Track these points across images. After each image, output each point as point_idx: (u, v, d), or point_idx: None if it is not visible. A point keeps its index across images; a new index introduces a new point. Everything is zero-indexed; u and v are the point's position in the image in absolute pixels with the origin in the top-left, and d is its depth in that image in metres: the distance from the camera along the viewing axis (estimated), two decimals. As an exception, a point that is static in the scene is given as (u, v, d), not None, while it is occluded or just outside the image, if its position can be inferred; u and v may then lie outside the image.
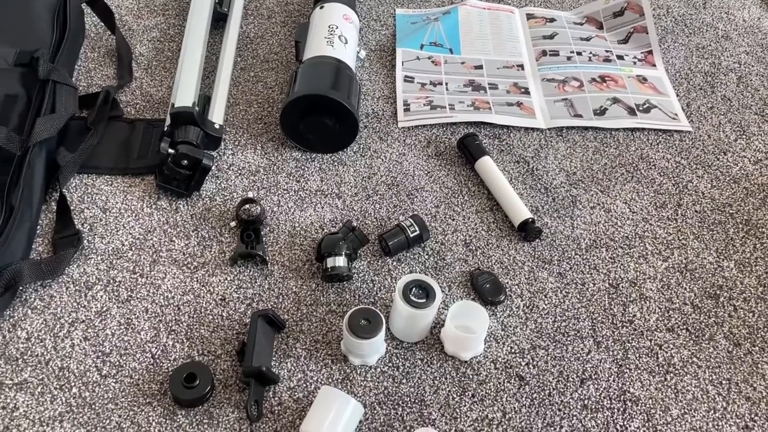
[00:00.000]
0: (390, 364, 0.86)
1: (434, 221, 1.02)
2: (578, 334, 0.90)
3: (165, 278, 0.92)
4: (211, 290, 0.91)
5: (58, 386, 0.81)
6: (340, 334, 0.88)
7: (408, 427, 0.81)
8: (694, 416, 0.84)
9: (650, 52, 1.30)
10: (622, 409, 0.84)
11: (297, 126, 1.05)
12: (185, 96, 1.02)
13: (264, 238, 0.97)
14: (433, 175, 1.08)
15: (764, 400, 0.86)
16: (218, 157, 1.07)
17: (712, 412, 0.84)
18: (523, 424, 0.82)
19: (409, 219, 0.97)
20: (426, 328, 0.88)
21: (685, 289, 0.96)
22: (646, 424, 0.83)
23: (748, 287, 0.97)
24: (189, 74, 1.07)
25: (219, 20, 1.22)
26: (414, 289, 0.85)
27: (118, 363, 0.84)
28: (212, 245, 0.96)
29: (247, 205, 0.99)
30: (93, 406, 0.80)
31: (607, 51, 1.29)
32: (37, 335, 0.85)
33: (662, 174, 1.10)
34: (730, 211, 1.06)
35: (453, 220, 1.02)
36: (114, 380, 0.82)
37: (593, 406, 0.84)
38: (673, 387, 0.86)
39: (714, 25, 1.36)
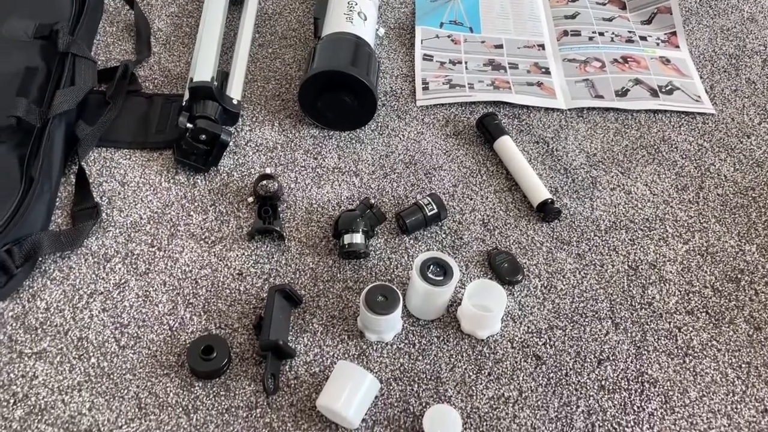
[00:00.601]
0: (406, 341, 0.86)
1: (452, 200, 1.01)
2: (596, 315, 0.90)
3: (183, 252, 0.92)
4: (229, 265, 0.92)
5: (76, 356, 0.82)
6: (357, 310, 0.88)
7: (424, 404, 0.81)
8: (712, 399, 0.83)
9: (674, 34, 1.27)
10: (639, 390, 0.83)
11: (315, 102, 1.05)
12: (204, 71, 1.02)
13: (281, 215, 0.97)
14: (451, 154, 1.07)
15: (784, 384, 0.85)
16: (236, 133, 1.06)
17: (731, 395, 0.83)
18: (539, 403, 0.82)
19: (427, 197, 0.96)
20: (443, 306, 0.88)
21: (706, 272, 0.95)
22: (664, 406, 0.82)
23: (770, 272, 0.96)
24: (208, 49, 1.06)
25: (237, -4, 1.22)
26: (432, 266, 0.84)
27: (136, 334, 0.84)
28: (230, 220, 0.96)
29: (265, 181, 0.99)
30: (111, 376, 0.81)
31: (629, 32, 1.27)
32: (56, 306, 0.86)
33: (684, 156, 1.09)
34: (753, 195, 1.04)
35: (471, 199, 1.01)
36: (132, 351, 0.83)
37: (610, 387, 0.83)
38: (691, 369, 0.85)
39: (739, 7, 1.34)
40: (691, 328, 0.89)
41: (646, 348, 0.87)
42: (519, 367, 0.85)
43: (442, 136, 1.09)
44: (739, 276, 0.95)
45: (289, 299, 0.87)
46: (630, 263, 0.95)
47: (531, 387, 0.83)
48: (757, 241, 0.99)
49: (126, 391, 0.80)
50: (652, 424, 0.81)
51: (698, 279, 0.94)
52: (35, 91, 0.98)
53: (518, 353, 0.86)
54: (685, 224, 1.00)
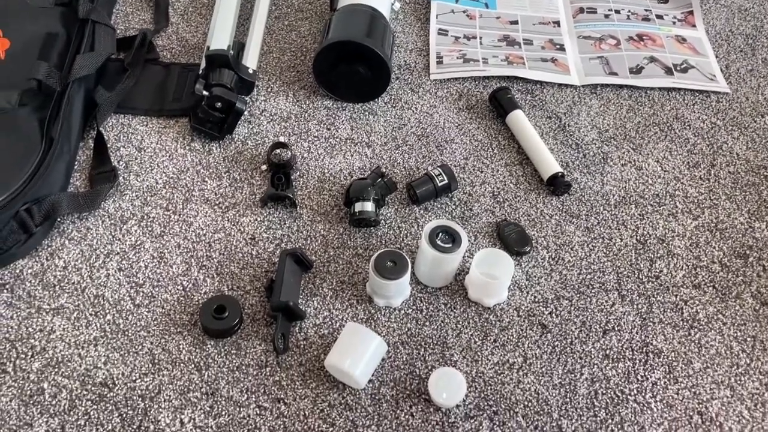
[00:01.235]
0: (414, 307, 0.88)
1: (463, 172, 1.02)
2: (603, 287, 0.91)
3: (197, 216, 0.94)
4: (242, 229, 0.93)
5: (93, 312, 0.84)
6: (366, 276, 0.90)
7: (430, 367, 0.82)
8: (716, 370, 0.84)
9: (691, 13, 1.27)
10: (643, 360, 0.84)
11: (329, 73, 1.06)
12: (221, 39, 1.03)
13: (294, 183, 0.98)
14: (463, 127, 1.08)
15: (789, 359, 0.86)
16: (251, 102, 1.08)
17: (735, 367, 0.84)
18: (543, 369, 0.83)
19: (438, 168, 0.97)
20: (450, 273, 0.89)
21: (714, 247, 0.95)
22: (668, 376, 0.83)
23: (779, 249, 0.96)
24: (225, 19, 1.07)
25: (255, -32, 1.22)
26: (441, 234, 0.86)
27: (150, 294, 0.86)
28: (243, 187, 0.98)
29: (278, 150, 1.00)
30: (126, 333, 0.83)
31: (646, 10, 1.27)
32: (73, 264, 0.88)
33: (697, 134, 1.09)
34: (765, 174, 1.04)
35: (481, 172, 1.02)
36: (147, 309, 0.85)
37: (615, 356, 0.84)
38: (696, 341, 0.86)
39: (759, -13, 1.33)
40: (697, 302, 0.90)
41: (651, 320, 0.88)
42: (524, 334, 0.86)
43: (455, 110, 1.10)
44: (747, 252, 0.95)
45: (300, 263, 0.88)
46: (638, 237, 0.96)
47: (536, 354, 0.84)
48: (767, 218, 0.99)
49: (140, 347, 0.82)
50: (655, 393, 0.82)
51: (706, 254, 0.94)
52: (56, 56, 1.00)
53: (524, 321, 0.87)
54: (696, 200, 1.00)
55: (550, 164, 1.00)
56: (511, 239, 0.93)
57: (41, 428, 0.75)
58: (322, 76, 1.07)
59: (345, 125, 1.06)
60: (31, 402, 0.77)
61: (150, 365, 0.80)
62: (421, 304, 0.88)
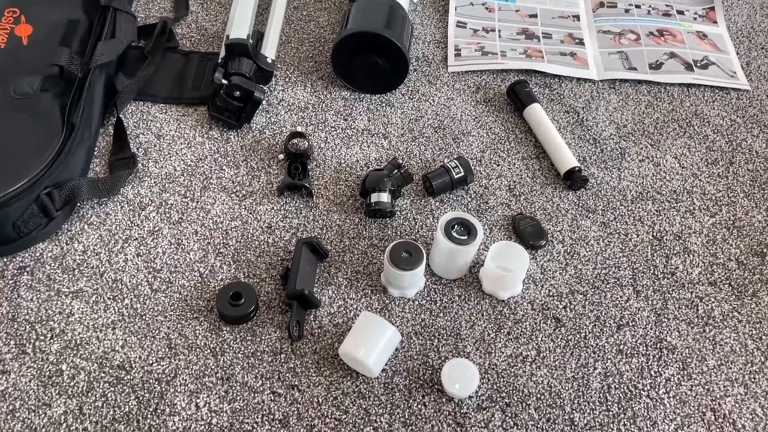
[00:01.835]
0: (428, 298, 0.88)
1: (479, 165, 1.02)
2: (618, 282, 0.90)
3: (214, 204, 0.95)
4: (258, 218, 0.94)
5: (111, 296, 0.85)
6: (381, 267, 0.90)
7: (443, 358, 0.83)
8: (730, 368, 0.84)
9: (712, 9, 1.26)
10: (657, 356, 0.84)
11: (348, 64, 1.06)
12: (240, 28, 1.04)
13: (310, 172, 0.99)
14: (480, 120, 1.08)
15: (804, 358, 0.85)
16: (269, 92, 1.08)
17: (750, 365, 0.84)
18: (557, 363, 0.83)
19: (455, 160, 0.98)
20: (465, 265, 0.89)
21: (731, 245, 0.95)
22: (681, 372, 0.83)
23: (797, 248, 0.95)
24: (244, 8, 1.08)
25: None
26: (456, 226, 0.86)
27: (168, 279, 0.87)
28: (260, 176, 0.98)
29: (296, 139, 1.01)
30: (144, 317, 0.84)
31: (667, 5, 1.26)
32: (93, 248, 0.89)
33: (716, 131, 1.08)
34: (785, 172, 1.03)
35: (498, 165, 1.02)
36: (164, 295, 0.86)
37: (628, 352, 0.84)
38: (711, 339, 0.86)
39: (782, -17, 1.31)
40: (713, 299, 0.89)
41: (666, 316, 0.88)
42: (538, 328, 0.86)
43: (472, 103, 1.10)
44: (765, 250, 0.94)
45: (315, 252, 0.89)
46: (655, 233, 0.95)
47: (549, 347, 0.84)
48: (785, 217, 0.98)
49: (157, 331, 0.83)
50: (668, 389, 0.81)
51: (723, 251, 0.94)
52: (77, 42, 1.01)
53: (538, 315, 0.87)
54: (713, 198, 1.00)
55: (567, 158, 1.00)
56: (527, 233, 0.93)
57: (59, 408, 0.77)
58: (340, 67, 1.07)
59: (362, 116, 1.07)
60: (50, 383, 0.78)
61: (166, 349, 0.82)
62: (436, 296, 0.88)
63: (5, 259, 0.87)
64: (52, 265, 0.88)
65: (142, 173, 0.97)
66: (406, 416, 0.78)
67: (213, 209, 0.94)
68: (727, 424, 0.79)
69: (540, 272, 0.91)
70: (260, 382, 0.80)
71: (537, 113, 1.05)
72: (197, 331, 0.83)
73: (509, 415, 0.79)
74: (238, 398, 0.78)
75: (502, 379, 0.81)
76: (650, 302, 0.89)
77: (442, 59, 1.15)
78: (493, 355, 0.83)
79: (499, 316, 0.87)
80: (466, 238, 0.85)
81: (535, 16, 1.22)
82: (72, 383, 0.78)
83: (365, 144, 1.03)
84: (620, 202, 0.99)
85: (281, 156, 1.00)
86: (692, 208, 0.98)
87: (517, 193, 0.99)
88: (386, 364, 0.81)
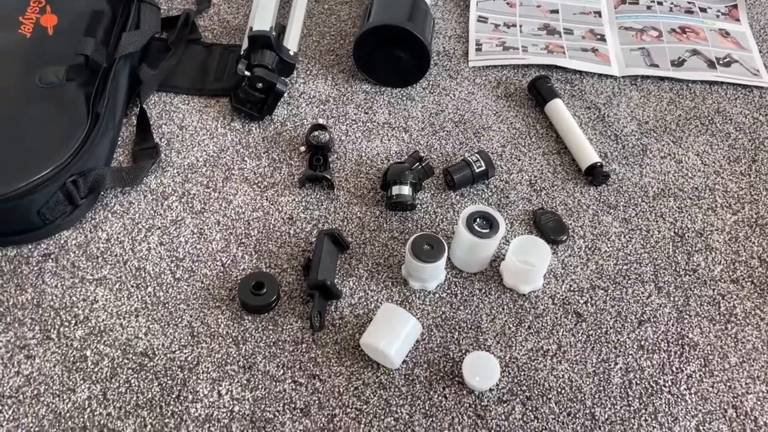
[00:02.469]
0: (448, 291, 0.88)
1: (500, 160, 1.02)
2: (639, 278, 0.90)
3: (236, 194, 0.95)
4: (280, 209, 0.94)
5: (134, 284, 0.86)
6: (401, 259, 0.90)
7: (463, 350, 0.83)
8: (752, 365, 0.83)
9: (735, 6, 1.25)
10: (679, 352, 0.84)
11: (369, 57, 1.06)
12: (263, 20, 1.04)
13: (331, 165, 0.99)
14: (501, 115, 1.07)
15: (828, 357, 0.85)
16: (290, 84, 1.09)
17: (772, 363, 0.84)
18: (577, 357, 0.83)
19: (476, 154, 0.98)
20: (486, 259, 0.89)
21: (754, 243, 0.94)
22: (703, 369, 0.83)
23: (821, 247, 0.94)
24: (267, 1, 1.08)
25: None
26: (478, 219, 0.86)
27: (190, 268, 0.88)
28: (282, 167, 0.99)
29: (317, 132, 1.01)
30: (166, 305, 0.85)
31: (689, 2, 1.25)
32: (116, 237, 0.90)
33: (738, 129, 1.07)
34: (808, 171, 1.03)
35: (519, 160, 1.02)
36: (186, 284, 0.87)
37: (650, 347, 0.84)
38: (733, 336, 0.85)
39: (806, -19, 1.30)
40: (735, 296, 0.89)
41: (688, 312, 0.87)
42: (559, 322, 0.86)
43: (493, 98, 1.10)
44: (788, 249, 0.94)
45: (337, 243, 0.89)
46: (676, 230, 0.95)
47: (570, 342, 0.84)
48: (809, 216, 0.98)
49: (180, 319, 0.84)
50: (689, 386, 0.81)
51: (745, 249, 0.94)
52: (102, 33, 1.01)
53: (559, 309, 0.87)
54: (735, 195, 0.99)
55: (588, 154, 1.00)
56: (548, 227, 0.93)
57: (84, 393, 0.77)
58: (361, 60, 1.07)
59: (383, 109, 1.07)
60: (74, 368, 0.79)
61: (189, 337, 0.82)
62: (456, 289, 0.88)
63: (30, 246, 0.88)
64: (77, 252, 0.88)
65: (165, 163, 0.98)
66: (427, 408, 0.78)
67: (235, 200, 0.95)
68: (749, 421, 0.79)
69: (561, 267, 0.91)
70: (282, 371, 0.80)
71: (558, 109, 1.05)
72: (219, 320, 0.84)
73: (530, 408, 0.79)
74: (260, 386, 0.79)
75: (522, 373, 0.81)
76: (672, 299, 0.88)
77: (463, 54, 1.15)
78: (513, 348, 0.83)
79: (520, 310, 0.87)
80: (488, 231, 0.85)
81: (557, 11, 1.22)
82: (96, 369, 0.79)
83: (386, 137, 1.04)
84: (642, 198, 0.98)
85: (302, 148, 1.01)
86: (714, 205, 0.98)
87: (538, 188, 0.99)
88: (407, 356, 0.82)
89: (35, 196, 0.85)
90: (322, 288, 0.83)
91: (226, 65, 1.09)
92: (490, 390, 0.80)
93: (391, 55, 1.05)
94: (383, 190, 0.96)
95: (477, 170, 0.96)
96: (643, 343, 0.85)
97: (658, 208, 0.97)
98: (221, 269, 0.88)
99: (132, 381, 0.79)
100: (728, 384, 0.82)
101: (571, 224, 0.95)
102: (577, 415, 0.79)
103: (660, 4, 1.24)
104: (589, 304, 0.87)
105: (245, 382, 0.79)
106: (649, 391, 0.81)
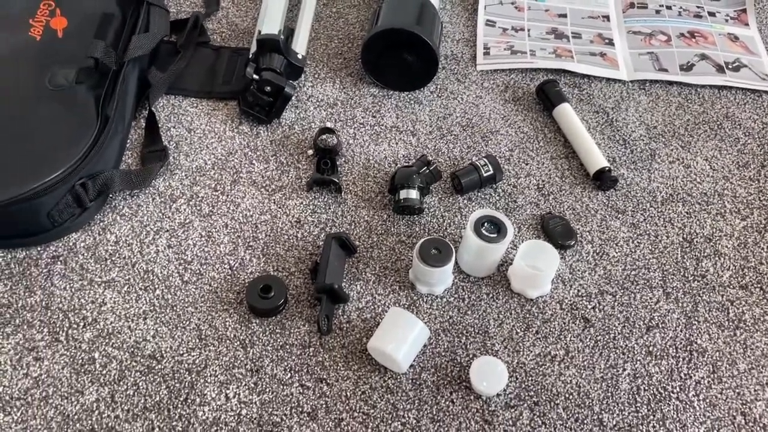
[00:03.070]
0: (456, 296, 0.88)
1: (507, 164, 1.02)
2: (648, 284, 0.90)
3: (244, 198, 0.96)
4: (287, 212, 0.95)
5: (143, 287, 0.86)
6: (409, 263, 0.90)
7: (471, 355, 0.83)
8: (761, 372, 0.83)
9: (744, 11, 1.25)
10: (687, 358, 0.84)
11: (377, 60, 1.06)
12: (272, 24, 1.04)
13: (339, 168, 0.99)
14: (509, 119, 1.07)
15: (837, 364, 0.84)
16: (299, 88, 1.09)
17: (782, 370, 0.83)
18: (585, 363, 0.83)
19: (484, 158, 0.97)
20: (494, 263, 0.89)
21: (763, 248, 0.94)
22: (711, 375, 0.82)
23: (830, 253, 0.94)
24: (275, 4, 1.09)
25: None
26: (486, 223, 0.86)
27: (198, 271, 0.88)
28: (290, 171, 0.99)
29: (325, 135, 1.01)
30: (174, 308, 0.85)
31: (698, 7, 1.25)
32: (124, 240, 0.90)
33: (747, 134, 1.07)
34: (818, 176, 1.02)
35: (527, 164, 1.02)
36: (194, 286, 0.87)
37: (658, 353, 0.84)
38: (742, 342, 0.85)
39: (816, -14, 1.29)
40: (744, 303, 0.89)
41: (696, 318, 0.87)
42: (567, 327, 0.86)
43: (501, 102, 1.10)
44: (797, 255, 0.93)
45: (344, 247, 0.89)
46: (685, 235, 0.95)
47: (578, 347, 0.84)
48: (818, 221, 0.97)
49: (188, 322, 0.84)
50: (698, 392, 0.81)
51: (754, 255, 0.93)
52: (111, 35, 1.02)
53: (567, 315, 0.87)
54: (744, 201, 0.99)
55: (596, 159, 1.00)
56: (556, 232, 0.93)
57: (92, 396, 0.78)
58: (369, 63, 1.08)
59: (391, 113, 1.07)
60: (83, 370, 0.79)
61: (197, 340, 0.82)
62: (464, 293, 0.88)
63: (39, 248, 0.89)
64: (85, 254, 0.89)
65: (173, 166, 0.98)
66: (434, 412, 0.78)
67: (243, 203, 0.95)
68: (758, 429, 0.79)
69: (569, 272, 0.91)
70: (289, 374, 0.80)
71: (566, 113, 1.05)
72: (227, 323, 0.84)
73: (537, 413, 0.79)
74: (268, 390, 0.79)
75: (530, 378, 0.81)
76: (680, 304, 0.88)
77: (470, 58, 1.15)
78: (521, 353, 0.83)
79: (528, 315, 0.86)
80: (495, 236, 0.85)
81: (565, 15, 1.22)
82: (104, 371, 0.79)
83: (393, 141, 1.04)
84: (650, 203, 0.98)
85: (310, 151, 1.01)
86: (723, 210, 0.98)
87: (546, 193, 0.99)
88: (414, 360, 0.81)
89: (45, 198, 0.85)
90: (330, 292, 0.83)
91: (235, 68, 1.09)
92: (498, 395, 0.80)
93: (400, 59, 1.05)
94: (391, 194, 0.96)
95: (485, 174, 0.96)
96: (651, 348, 0.84)
97: (666, 213, 0.97)
98: (229, 272, 0.88)
99: (140, 384, 0.79)
100: (737, 391, 0.81)
101: (578, 229, 0.95)
102: (585, 421, 0.78)
103: (669, 8, 1.24)
104: (597, 310, 0.87)
105: (252, 385, 0.79)
106: (658, 397, 0.80)
